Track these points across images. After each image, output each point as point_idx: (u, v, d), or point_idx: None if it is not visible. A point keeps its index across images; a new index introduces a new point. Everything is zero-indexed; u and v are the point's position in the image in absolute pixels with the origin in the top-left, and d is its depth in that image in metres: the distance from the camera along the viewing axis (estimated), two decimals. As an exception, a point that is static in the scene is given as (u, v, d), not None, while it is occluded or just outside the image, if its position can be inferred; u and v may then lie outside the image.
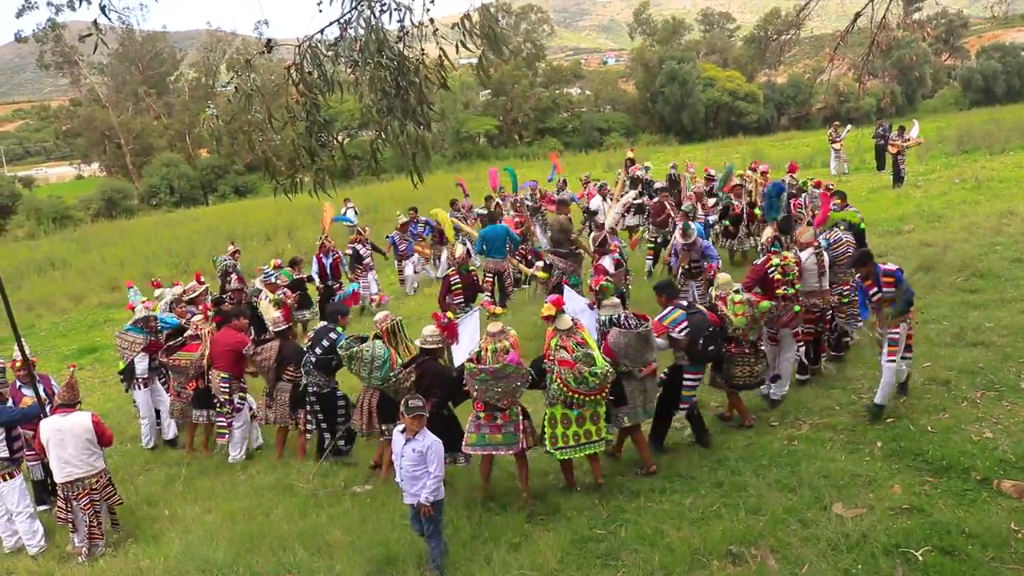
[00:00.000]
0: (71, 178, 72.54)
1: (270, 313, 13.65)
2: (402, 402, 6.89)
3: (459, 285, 11.77)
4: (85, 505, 8.00)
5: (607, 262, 11.43)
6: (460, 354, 8.25)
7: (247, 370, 10.11)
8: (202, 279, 12.64)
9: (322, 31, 6.02)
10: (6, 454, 8.33)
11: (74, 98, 65.00)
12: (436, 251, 18.33)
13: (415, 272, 17.91)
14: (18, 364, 8.91)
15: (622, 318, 8.04)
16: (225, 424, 10.02)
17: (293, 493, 8.89)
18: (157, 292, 12.72)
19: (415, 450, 6.55)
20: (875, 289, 8.46)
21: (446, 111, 46.70)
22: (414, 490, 6.61)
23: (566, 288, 9.96)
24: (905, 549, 6.06)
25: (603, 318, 8.14)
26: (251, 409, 10.26)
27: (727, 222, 14.92)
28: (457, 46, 5.76)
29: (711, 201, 15.85)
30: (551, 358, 7.39)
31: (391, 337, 8.50)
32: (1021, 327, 10.11)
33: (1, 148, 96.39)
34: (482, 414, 7.52)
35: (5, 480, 8.35)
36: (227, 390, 9.85)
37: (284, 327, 9.86)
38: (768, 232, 10.95)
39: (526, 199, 18.77)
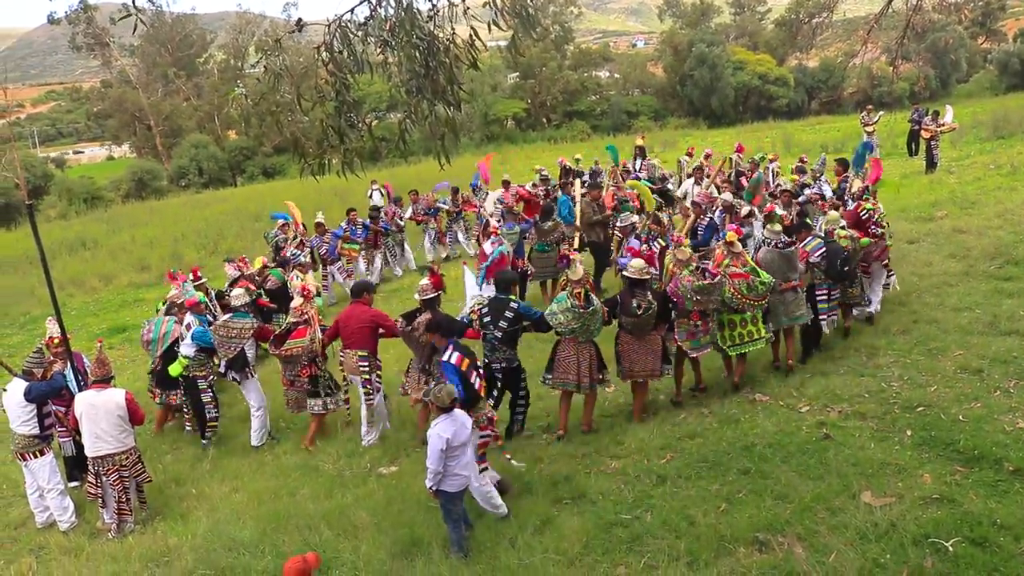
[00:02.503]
0: (102, 159, 73.25)
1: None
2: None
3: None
4: (115, 481, 8.12)
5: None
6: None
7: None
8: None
9: (352, 10, 5.98)
10: (37, 431, 8.46)
11: (105, 80, 65.52)
12: (369, 255, 17.70)
13: (344, 278, 16.66)
14: (55, 341, 9.02)
15: (774, 242, 9.84)
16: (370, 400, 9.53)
17: (319, 474, 8.96)
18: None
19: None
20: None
21: (475, 93, 46.58)
22: None
23: (465, 269, 11.31)
24: (935, 539, 5.99)
25: (759, 236, 11.05)
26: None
27: None
28: (489, 25, 5.70)
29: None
30: (722, 273, 9.10)
31: None
32: (1057, 316, 9.95)
33: (35, 129, 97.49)
34: (699, 323, 9.13)
35: (36, 457, 8.48)
36: (367, 368, 9.39)
37: (433, 295, 8.98)
38: (858, 183, 12.78)
39: (442, 201, 18.84)
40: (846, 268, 9.96)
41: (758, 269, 9.24)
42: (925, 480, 6.84)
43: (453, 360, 7.36)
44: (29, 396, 8.35)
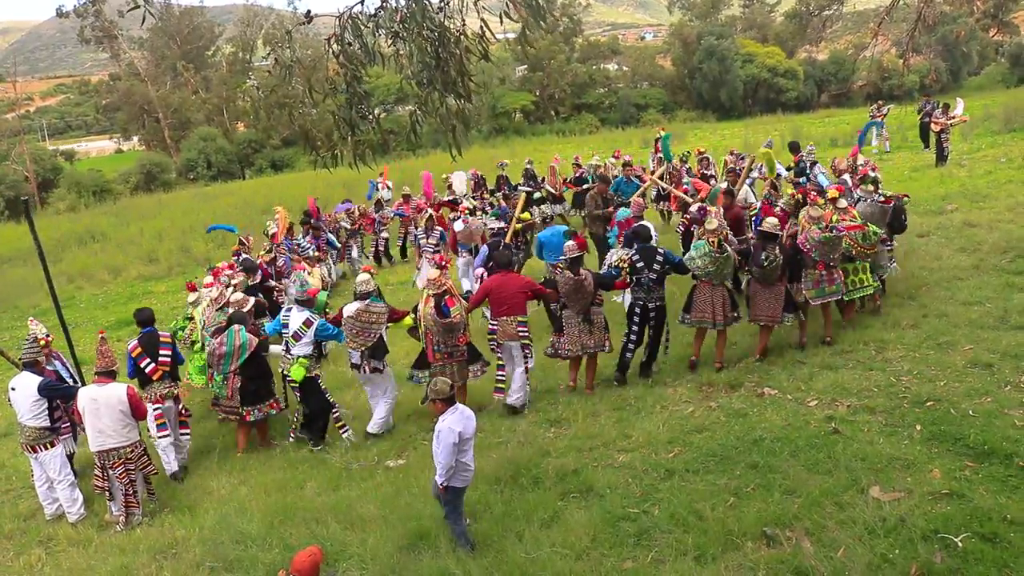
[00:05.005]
0: (111, 152, 73.28)
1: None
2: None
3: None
4: (120, 474, 8.15)
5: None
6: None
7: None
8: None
9: (362, 1, 5.96)
10: (47, 423, 8.49)
11: (113, 72, 65.51)
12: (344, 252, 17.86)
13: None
14: (41, 342, 8.98)
15: (870, 198, 11.38)
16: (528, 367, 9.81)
17: (326, 466, 8.97)
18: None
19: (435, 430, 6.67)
20: None
21: (485, 85, 46.50)
22: None
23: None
24: (944, 535, 5.96)
25: (860, 194, 11.81)
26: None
27: None
28: (501, 16, 5.67)
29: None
30: (835, 228, 10.07)
31: None
32: (1068, 310, 9.89)
33: (44, 122, 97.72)
34: (824, 273, 10.04)
35: (47, 448, 8.51)
36: (526, 332, 9.69)
37: (579, 254, 9.77)
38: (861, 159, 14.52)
39: (341, 222, 18.60)
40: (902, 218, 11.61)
41: (867, 222, 10.56)
42: (934, 475, 6.81)
43: None
44: (43, 392, 8.39)
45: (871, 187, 11.60)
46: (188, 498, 8.74)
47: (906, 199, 12.01)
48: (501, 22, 5.76)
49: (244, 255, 14.09)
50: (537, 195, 19.23)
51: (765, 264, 9.69)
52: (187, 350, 10.97)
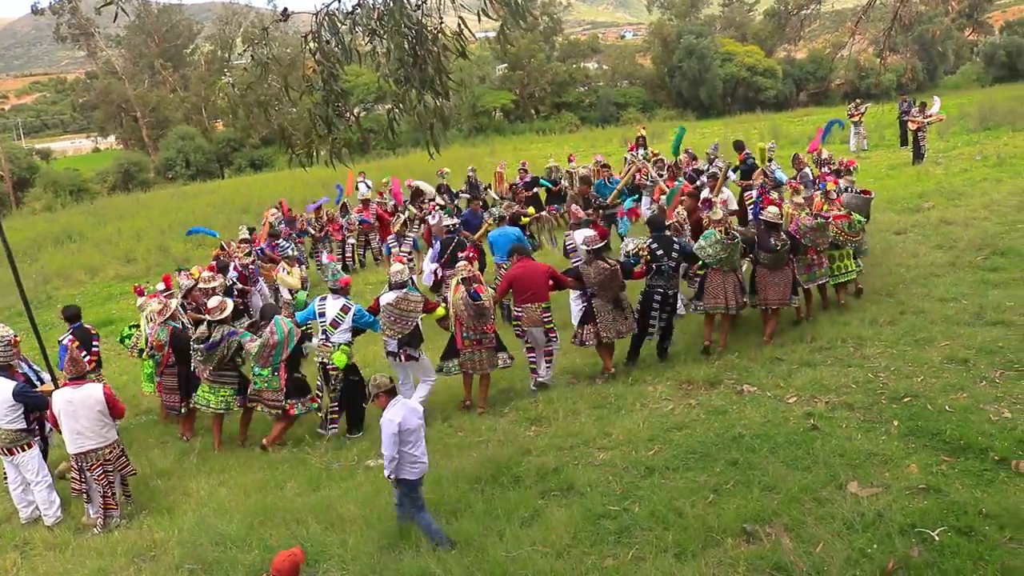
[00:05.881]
0: (88, 151, 72.62)
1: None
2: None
3: None
4: (99, 476, 8.07)
5: None
6: None
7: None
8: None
9: (339, -1, 5.93)
10: (24, 425, 8.40)
11: (90, 71, 64.99)
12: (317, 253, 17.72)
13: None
14: (11, 343, 8.89)
15: (854, 190, 12.23)
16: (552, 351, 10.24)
17: (306, 466, 8.93)
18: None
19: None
20: None
21: (464, 83, 46.43)
22: None
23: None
24: (921, 529, 6.01)
25: (844, 185, 12.41)
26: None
27: None
28: (479, 15, 5.66)
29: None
30: (822, 218, 10.81)
31: None
32: (1042, 306, 9.99)
33: (19, 121, 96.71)
34: (815, 258, 10.85)
35: (24, 450, 8.42)
36: (550, 318, 9.95)
37: (601, 244, 10.17)
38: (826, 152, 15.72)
39: (308, 227, 18.48)
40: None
41: (852, 212, 11.30)
42: (911, 470, 6.86)
43: None
44: (18, 398, 8.31)
45: (852, 178, 12.65)
46: (167, 500, 8.67)
47: (871, 196, 12.74)
48: (479, 20, 5.75)
49: (223, 259, 14.06)
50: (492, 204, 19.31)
51: (778, 249, 10.32)
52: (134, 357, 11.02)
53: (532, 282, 9.93)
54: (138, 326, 11.03)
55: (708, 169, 15.10)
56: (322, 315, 9.76)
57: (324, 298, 9.97)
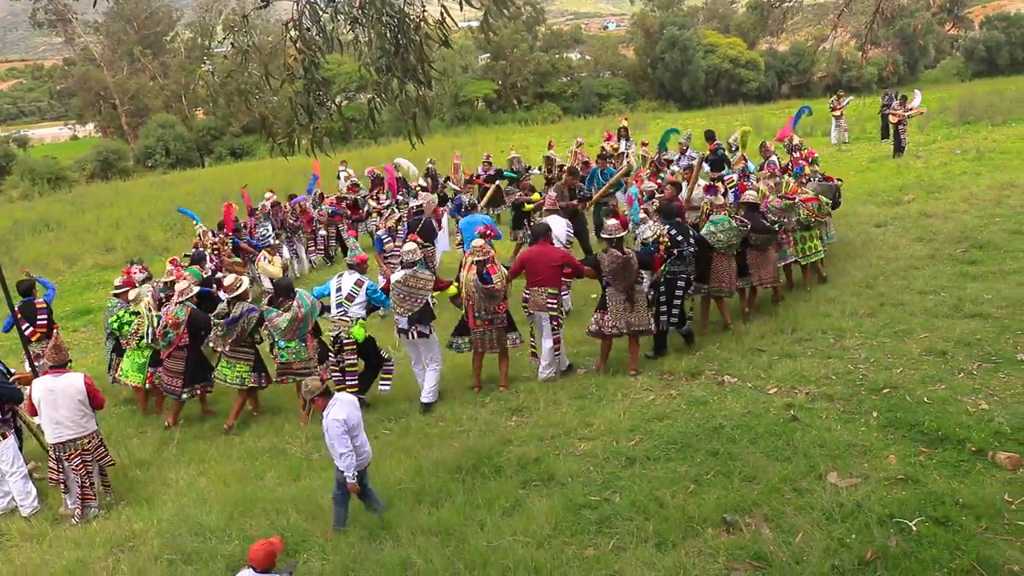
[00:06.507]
0: (66, 138, 71.85)
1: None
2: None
3: None
4: (77, 466, 8.00)
5: None
6: None
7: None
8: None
9: (320, -14, 5.88)
10: (-1, 415, 8.32)
11: (68, 57, 64.25)
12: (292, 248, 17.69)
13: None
14: None
15: (818, 177, 13.13)
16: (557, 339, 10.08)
17: (286, 456, 8.90)
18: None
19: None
20: None
21: (447, 72, 46.29)
22: None
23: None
24: (899, 519, 6.05)
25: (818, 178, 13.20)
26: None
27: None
28: (461, 3, 5.62)
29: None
30: (787, 199, 11.56)
31: None
32: (1019, 299, 10.07)
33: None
34: (783, 237, 11.48)
35: (-1, 440, 8.34)
36: (555, 304, 9.91)
37: (623, 233, 10.16)
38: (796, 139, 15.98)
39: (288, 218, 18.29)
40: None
41: (819, 195, 12.17)
42: (890, 461, 6.91)
43: None
44: None
45: (817, 167, 13.70)
46: (146, 490, 8.61)
47: (840, 182, 13.68)
48: (461, 8, 5.71)
49: (200, 248, 13.98)
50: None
51: (777, 229, 11.10)
52: (129, 345, 10.87)
53: (543, 266, 9.92)
54: (138, 314, 10.85)
55: (681, 160, 15.18)
56: (338, 290, 10.01)
57: (341, 275, 10.22)
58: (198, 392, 10.48)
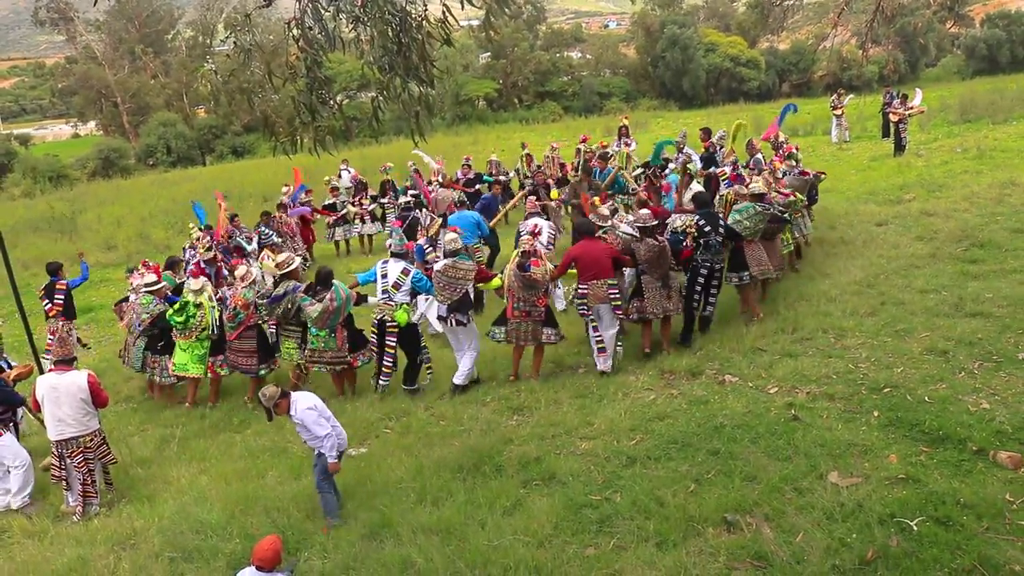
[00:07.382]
0: (68, 136, 71.91)
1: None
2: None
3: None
4: (79, 463, 8.02)
5: None
6: None
7: None
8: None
9: (322, -16, 5.88)
10: (-3, 411, 8.36)
11: (70, 56, 64.33)
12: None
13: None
14: None
15: (794, 172, 13.32)
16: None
17: (287, 455, 8.90)
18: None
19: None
20: None
21: (448, 70, 46.28)
22: None
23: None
24: (900, 519, 6.05)
25: (784, 169, 13.42)
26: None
27: None
28: (463, 2, 5.62)
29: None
30: (772, 197, 11.50)
31: None
32: (1020, 298, 10.06)
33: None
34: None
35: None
36: (617, 294, 9.94)
37: (655, 223, 10.27)
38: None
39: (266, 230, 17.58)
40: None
41: (794, 191, 12.41)
42: (891, 460, 6.90)
43: None
44: None
45: (794, 163, 13.97)
46: (147, 488, 8.63)
47: (823, 176, 14.33)
48: (462, 7, 5.71)
49: (191, 250, 14.05)
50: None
51: (788, 218, 11.52)
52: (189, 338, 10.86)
53: (595, 259, 10.00)
54: (200, 305, 10.83)
55: (679, 157, 15.21)
56: (384, 276, 10.33)
57: (386, 261, 10.53)
58: (274, 366, 11.03)
